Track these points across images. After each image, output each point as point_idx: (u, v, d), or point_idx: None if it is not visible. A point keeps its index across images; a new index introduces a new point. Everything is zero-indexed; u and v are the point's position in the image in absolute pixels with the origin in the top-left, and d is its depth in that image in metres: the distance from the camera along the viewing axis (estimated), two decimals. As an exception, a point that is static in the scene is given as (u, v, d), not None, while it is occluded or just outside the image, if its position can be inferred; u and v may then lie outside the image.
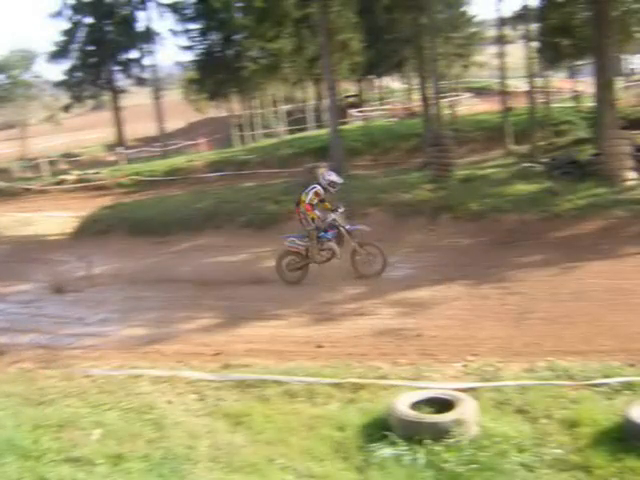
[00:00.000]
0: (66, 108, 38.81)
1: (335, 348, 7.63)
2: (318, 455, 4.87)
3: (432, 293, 9.39)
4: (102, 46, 36.37)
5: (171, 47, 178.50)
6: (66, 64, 37.07)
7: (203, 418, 5.63)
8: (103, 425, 5.47)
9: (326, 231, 10.58)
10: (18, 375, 7.25)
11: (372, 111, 34.86)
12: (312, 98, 39.23)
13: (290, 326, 8.68)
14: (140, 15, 45.79)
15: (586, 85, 26.46)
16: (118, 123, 38.45)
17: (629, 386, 5.50)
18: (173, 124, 39.96)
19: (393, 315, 8.67)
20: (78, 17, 36.57)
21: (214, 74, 33.58)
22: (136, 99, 41.37)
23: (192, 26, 34.06)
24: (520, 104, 23.38)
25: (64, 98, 39.05)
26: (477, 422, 4.94)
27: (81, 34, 36.76)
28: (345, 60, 29.29)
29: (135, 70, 38.16)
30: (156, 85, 35.54)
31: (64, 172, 27.66)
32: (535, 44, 21.46)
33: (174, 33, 35.89)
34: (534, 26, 21.03)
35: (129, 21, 36.63)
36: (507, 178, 15.20)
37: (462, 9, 37.90)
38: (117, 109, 38.58)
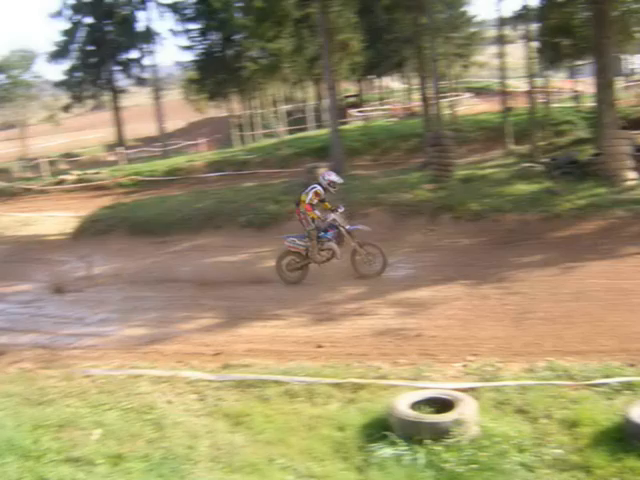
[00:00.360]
0: (66, 108, 38.84)
1: (335, 348, 7.63)
2: (318, 455, 4.88)
3: (432, 293, 9.39)
4: (102, 46, 36.44)
5: (171, 47, 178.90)
6: (66, 64, 37.27)
7: (203, 418, 5.64)
8: (103, 425, 5.47)
9: (326, 231, 10.57)
10: (18, 375, 7.25)
11: (372, 111, 34.90)
12: (312, 98, 39.24)
13: (290, 326, 8.67)
14: (140, 15, 46.15)
15: (586, 85, 26.50)
16: (118, 123, 38.49)
17: (629, 386, 5.51)
18: (173, 124, 40.00)
19: (393, 315, 8.66)
20: (78, 17, 36.67)
21: (214, 74, 33.64)
22: (136, 99, 41.42)
23: (192, 26, 34.24)
24: (520, 104, 23.39)
25: (64, 98, 39.08)
26: (477, 422, 4.94)
27: (81, 34, 36.86)
28: (345, 60, 29.28)
29: (135, 70, 38.29)
30: (156, 85, 35.54)
31: (64, 172, 27.65)
32: (535, 44, 21.43)
33: (174, 33, 36.07)
34: (534, 26, 21.01)
35: (129, 21, 36.72)
36: (507, 178, 15.22)
37: (462, 9, 37.99)
38: (117, 109, 38.62)
